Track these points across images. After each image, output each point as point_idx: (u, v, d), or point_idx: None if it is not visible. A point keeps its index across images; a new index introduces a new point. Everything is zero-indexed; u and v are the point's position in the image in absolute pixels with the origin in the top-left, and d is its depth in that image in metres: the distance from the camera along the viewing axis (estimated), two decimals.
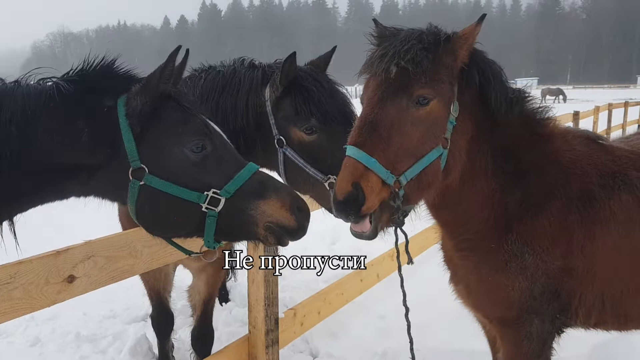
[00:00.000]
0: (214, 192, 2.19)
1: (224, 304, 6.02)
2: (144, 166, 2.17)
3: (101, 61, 2.28)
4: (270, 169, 3.26)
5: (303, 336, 4.85)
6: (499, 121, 2.57)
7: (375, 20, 2.70)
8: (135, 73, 2.35)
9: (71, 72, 2.27)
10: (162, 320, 4.43)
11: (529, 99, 2.71)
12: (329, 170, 2.91)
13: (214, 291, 4.17)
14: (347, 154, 2.31)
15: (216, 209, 2.20)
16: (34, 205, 2.29)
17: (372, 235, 2.34)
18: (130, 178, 2.18)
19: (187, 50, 2.37)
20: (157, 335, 4.55)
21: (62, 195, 2.32)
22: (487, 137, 2.60)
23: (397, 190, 2.30)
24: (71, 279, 2.55)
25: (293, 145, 3.01)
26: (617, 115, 22.08)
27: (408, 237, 2.47)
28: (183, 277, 4.68)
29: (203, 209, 2.20)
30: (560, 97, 62.25)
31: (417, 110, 2.33)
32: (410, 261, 2.61)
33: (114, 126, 2.17)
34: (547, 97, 63.57)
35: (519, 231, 2.63)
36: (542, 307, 2.66)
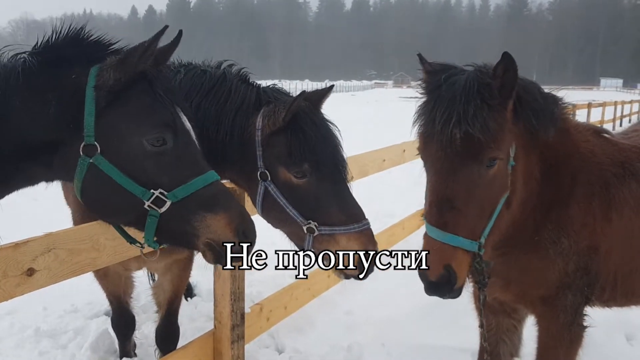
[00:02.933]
0: (160, 193, 2.07)
1: (189, 298, 5.95)
2: (97, 144, 2.04)
3: (68, 29, 2.13)
4: (239, 185, 3.19)
5: (269, 331, 4.82)
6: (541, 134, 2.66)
7: (420, 56, 2.67)
8: (110, 40, 2.20)
9: (39, 43, 2.15)
10: (123, 324, 4.34)
11: (561, 102, 2.83)
12: (310, 215, 2.81)
13: (180, 291, 4.10)
14: (430, 234, 2.35)
15: (159, 210, 2.07)
16: (9, 191, 2.20)
17: (455, 296, 2.41)
18: (81, 153, 2.05)
19: (180, 32, 2.23)
20: (117, 337, 4.47)
21: (31, 181, 2.23)
22: (531, 151, 2.68)
23: (480, 253, 2.39)
24: (31, 272, 2.47)
25: (277, 183, 2.87)
26: (581, 116, 22.60)
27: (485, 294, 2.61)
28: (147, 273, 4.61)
29: (145, 207, 2.08)
30: None
31: (487, 172, 2.37)
32: (481, 325, 2.78)
33: (80, 94, 2.05)
34: None
35: (555, 219, 2.80)
36: (574, 282, 2.85)
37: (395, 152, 6.26)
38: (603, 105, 27.31)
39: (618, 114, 29.39)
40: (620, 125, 27.59)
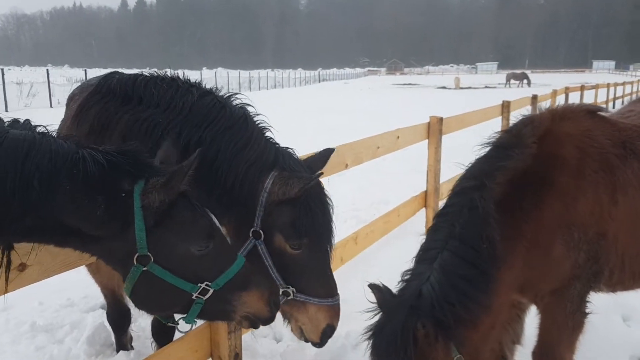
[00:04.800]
0: (206, 284, 2.36)
1: None
2: (150, 255, 2.27)
3: (128, 146, 2.33)
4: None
5: None
6: None
7: (371, 287, 2.85)
8: (153, 161, 2.39)
9: (99, 148, 2.27)
10: (118, 317, 4.33)
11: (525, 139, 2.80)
12: (291, 281, 2.90)
13: None
14: None
15: (204, 298, 2.38)
16: (32, 242, 2.31)
17: None
18: (135, 262, 2.27)
19: (198, 152, 2.39)
20: (113, 331, 4.46)
21: (61, 244, 2.36)
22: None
23: None
24: (22, 267, 2.46)
25: (270, 246, 2.90)
26: (574, 98, 22.64)
27: None
28: None
29: (193, 297, 2.37)
30: (525, 81, 62.13)
31: None
32: None
33: (128, 211, 2.22)
34: (512, 81, 64.09)
35: (566, 221, 2.78)
36: (584, 272, 2.86)
37: (389, 139, 6.23)
38: (596, 87, 27.34)
39: (611, 96, 29.46)
40: (614, 107, 27.64)
